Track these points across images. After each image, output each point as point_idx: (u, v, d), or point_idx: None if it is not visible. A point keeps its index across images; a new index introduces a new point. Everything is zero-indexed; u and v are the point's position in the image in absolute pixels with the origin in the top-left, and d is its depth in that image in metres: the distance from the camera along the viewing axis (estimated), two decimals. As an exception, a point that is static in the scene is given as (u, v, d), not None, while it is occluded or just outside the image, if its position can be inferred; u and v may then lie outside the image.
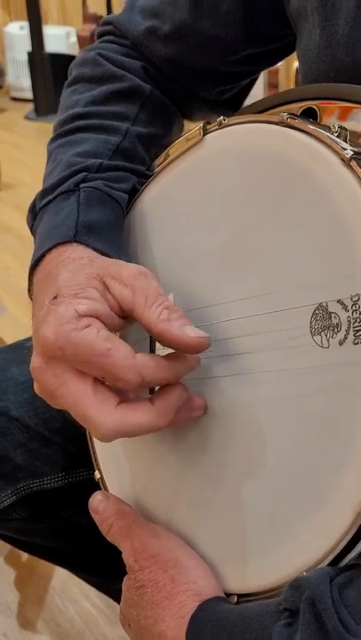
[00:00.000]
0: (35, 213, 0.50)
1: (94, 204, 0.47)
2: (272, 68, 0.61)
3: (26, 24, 3.36)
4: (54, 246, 0.44)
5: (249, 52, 0.54)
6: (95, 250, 0.44)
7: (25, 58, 3.48)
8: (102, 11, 3.26)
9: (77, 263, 0.42)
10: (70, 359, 0.36)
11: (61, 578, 1.11)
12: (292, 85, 2.29)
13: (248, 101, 0.56)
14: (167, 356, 0.38)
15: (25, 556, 1.15)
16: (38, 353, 0.38)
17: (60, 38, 3.55)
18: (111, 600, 0.95)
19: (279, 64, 0.54)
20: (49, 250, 0.44)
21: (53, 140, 0.54)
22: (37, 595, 1.10)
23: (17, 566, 1.14)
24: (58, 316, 0.37)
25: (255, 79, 0.62)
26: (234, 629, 0.33)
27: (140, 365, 0.36)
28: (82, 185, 0.48)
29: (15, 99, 3.76)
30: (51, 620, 1.06)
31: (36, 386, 0.40)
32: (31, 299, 0.45)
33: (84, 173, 0.48)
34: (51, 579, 1.12)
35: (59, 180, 0.48)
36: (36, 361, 0.38)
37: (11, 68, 3.70)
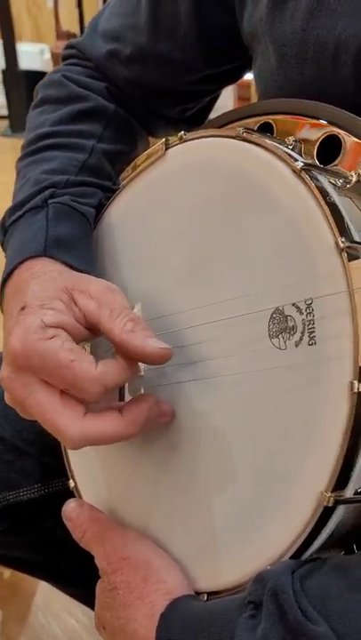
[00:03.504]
0: (5, 229, 0.51)
1: (62, 218, 0.48)
2: (243, 80, 0.63)
3: (0, 42, 3.38)
4: (24, 260, 0.45)
5: (208, 72, 0.56)
6: (64, 263, 0.45)
7: (-1, 75, 3.50)
8: (75, 28, 3.30)
9: (47, 277, 0.43)
10: (36, 369, 0.37)
11: (45, 594, 1.10)
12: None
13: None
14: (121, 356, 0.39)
15: (7, 573, 1.14)
16: (7, 363, 0.39)
17: (34, 55, 3.58)
18: (94, 614, 0.95)
19: (249, 77, 0.56)
20: (19, 264, 0.45)
21: (22, 158, 0.55)
22: (20, 612, 1.09)
23: (-1, 584, 1.14)
24: (25, 326, 0.38)
25: (217, 96, 0.64)
26: (201, 624, 0.34)
27: (102, 376, 0.37)
28: (50, 200, 0.49)
29: (-9, 116, 3.77)
30: (34, 637, 1.06)
31: (6, 396, 0.41)
32: (2, 312, 0.46)
33: (52, 189, 0.50)
34: (34, 596, 1.11)
35: (27, 196, 0.50)
36: (5, 371, 0.39)
37: (-15, 85, 3.71)
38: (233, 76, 0.59)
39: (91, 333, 0.41)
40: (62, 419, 0.37)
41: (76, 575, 0.68)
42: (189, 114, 0.62)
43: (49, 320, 0.38)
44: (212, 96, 0.62)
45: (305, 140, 0.42)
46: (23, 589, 1.12)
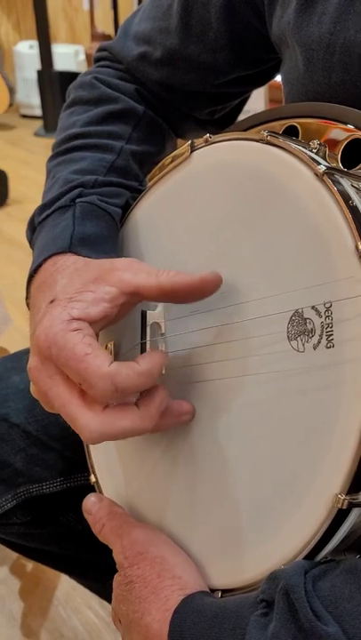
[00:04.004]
0: (33, 227, 0.52)
1: (89, 217, 0.49)
2: (274, 82, 0.63)
3: (35, 43, 3.43)
4: (50, 256, 0.46)
5: (237, 75, 0.57)
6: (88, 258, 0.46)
7: (34, 76, 3.55)
8: (110, 30, 3.33)
9: (72, 268, 0.44)
10: (55, 360, 0.38)
11: (65, 588, 1.12)
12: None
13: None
14: (140, 361, 0.39)
15: (30, 566, 1.16)
16: (34, 353, 0.40)
17: (69, 57, 3.62)
18: (111, 608, 0.96)
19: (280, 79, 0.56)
20: (44, 260, 0.47)
21: (52, 158, 0.57)
22: (41, 605, 1.11)
23: (22, 577, 1.15)
24: (51, 318, 0.39)
25: (246, 99, 0.64)
26: (214, 620, 0.35)
27: (114, 374, 0.37)
28: (77, 200, 0.50)
29: (24, 116, 3.84)
30: (54, 630, 1.07)
31: (32, 387, 0.42)
32: (28, 307, 0.48)
33: (80, 189, 0.51)
34: (55, 589, 1.13)
35: (56, 195, 0.51)
36: (32, 361, 0.40)
37: (21, 86, 3.77)
38: (262, 79, 0.60)
39: (123, 308, 0.41)
40: (81, 412, 0.38)
41: (96, 569, 0.69)
42: (218, 116, 0.62)
43: (75, 313, 0.39)
44: (241, 98, 0.63)
45: (330, 144, 0.42)
46: (45, 583, 1.14)
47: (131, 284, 0.40)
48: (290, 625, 0.31)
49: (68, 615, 1.10)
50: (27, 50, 3.69)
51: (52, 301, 0.41)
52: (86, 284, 0.41)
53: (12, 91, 3.62)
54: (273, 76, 0.59)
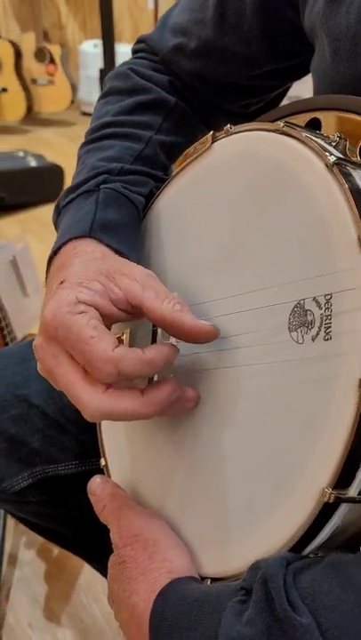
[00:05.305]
0: (58, 210, 0.53)
1: (111, 204, 0.50)
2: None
3: (100, 42, 3.49)
4: (70, 240, 0.47)
5: (271, 68, 0.56)
6: (107, 246, 0.47)
7: (97, 74, 3.61)
8: (173, 30, 3.34)
9: (90, 256, 0.45)
10: (61, 341, 0.39)
11: (88, 576, 1.13)
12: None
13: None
14: (147, 350, 0.39)
15: (56, 551, 1.19)
16: (40, 332, 0.41)
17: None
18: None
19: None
20: (65, 243, 0.48)
21: (84, 145, 0.58)
22: (64, 590, 1.13)
23: (48, 561, 1.18)
24: (59, 299, 0.40)
25: (284, 93, 0.64)
26: (194, 604, 0.35)
27: (117, 359, 0.38)
28: (102, 186, 0.51)
29: (85, 113, 3.90)
30: (75, 616, 1.09)
31: (38, 365, 0.43)
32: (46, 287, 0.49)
33: (105, 175, 0.52)
34: (78, 576, 1.15)
35: (82, 180, 0.52)
36: (38, 340, 0.41)
37: (83, 83, 3.84)
38: (297, 73, 0.59)
39: (126, 315, 0.42)
40: (83, 390, 0.39)
41: (106, 553, 0.70)
42: (253, 109, 0.62)
43: (83, 297, 0.40)
44: (276, 92, 0.62)
45: (351, 136, 0.42)
46: (69, 568, 1.16)
47: (136, 298, 0.41)
48: (265, 613, 0.31)
49: (88, 602, 1.11)
50: (91, 49, 3.76)
51: (61, 282, 0.42)
52: (98, 274, 0.42)
53: (74, 88, 3.70)
54: (308, 70, 0.58)
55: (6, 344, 1.35)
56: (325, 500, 0.33)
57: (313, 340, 0.35)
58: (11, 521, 1.18)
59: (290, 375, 0.37)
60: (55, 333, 0.39)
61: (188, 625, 0.34)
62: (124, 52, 3.64)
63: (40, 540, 1.17)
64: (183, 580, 0.38)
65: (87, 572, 1.13)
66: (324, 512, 0.33)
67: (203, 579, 0.40)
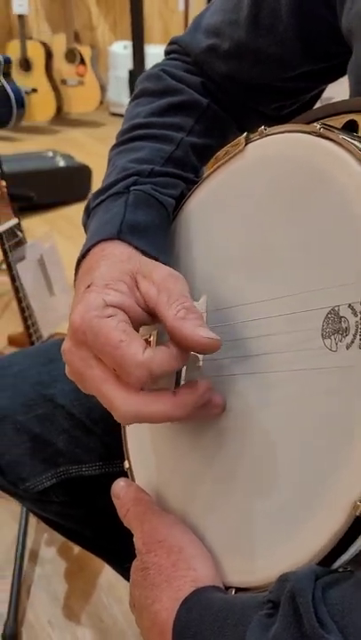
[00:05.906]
0: (88, 212, 0.53)
1: (141, 206, 0.50)
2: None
3: (130, 43, 3.50)
4: (98, 242, 0.47)
5: (305, 70, 0.55)
6: (136, 248, 0.46)
7: (126, 75, 3.62)
8: (203, 32, 3.33)
9: (116, 259, 0.45)
10: (90, 345, 0.39)
11: (109, 576, 1.13)
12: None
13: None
14: (171, 346, 0.39)
15: (77, 550, 1.19)
16: (69, 336, 0.41)
17: (160, 57, 3.65)
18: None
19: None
20: (93, 245, 0.47)
21: (115, 147, 0.58)
22: (85, 589, 1.13)
23: (69, 559, 1.18)
24: (86, 303, 0.39)
25: (317, 96, 0.63)
26: (218, 614, 0.34)
27: (148, 361, 0.37)
28: (132, 188, 0.51)
29: (114, 114, 3.92)
30: (94, 615, 1.09)
31: (67, 368, 0.42)
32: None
33: (136, 177, 0.51)
34: (99, 576, 1.15)
35: (112, 182, 0.52)
36: (67, 343, 0.41)
37: (113, 84, 3.86)
38: (332, 74, 0.58)
39: (150, 318, 0.42)
40: (115, 393, 0.38)
41: (128, 557, 0.70)
42: (287, 112, 0.61)
43: (110, 300, 0.40)
44: (310, 94, 0.61)
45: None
46: (91, 568, 1.16)
47: (152, 300, 0.40)
48: (292, 629, 0.30)
49: (109, 603, 1.11)
50: (121, 50, 3.77)
51: (88, 286, 0.41)
52: (124, 274, 0.42)
53: (103, 89, 3.71)
54: (342, 73, 0.57)
55: (32, 343, 1.36)
56: (357, 513, 0.32)
57: (347, 347, 0.34)
58: (32, 518, 1.18)
59: (321, 383, 0.36)
60: (84, 338, 0.39)
61: (211, 636, 0.34)
62: (153, 53, 3.64)
63: (61, 537, 1.17)
64: (207, 590, 0.38)
65: (108, 573, 1.13)
66: (356, 526, 0.32)
67: (227, 588, 0.39)
